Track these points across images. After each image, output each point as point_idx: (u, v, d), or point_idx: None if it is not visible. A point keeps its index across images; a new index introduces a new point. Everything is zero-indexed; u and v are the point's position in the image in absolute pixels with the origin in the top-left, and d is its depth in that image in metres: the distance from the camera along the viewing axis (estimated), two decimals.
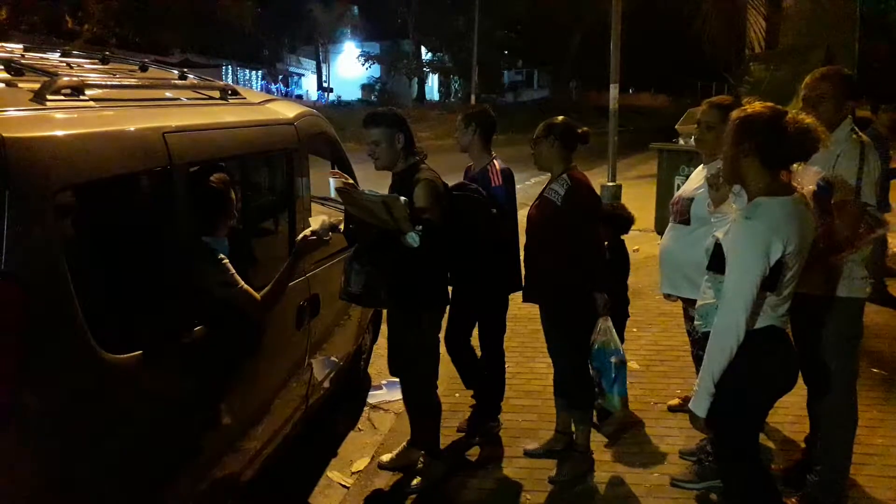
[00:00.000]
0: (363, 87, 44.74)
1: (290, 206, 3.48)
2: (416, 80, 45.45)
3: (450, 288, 3.89)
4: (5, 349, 1.88)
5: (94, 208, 2.39)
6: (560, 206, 3.67)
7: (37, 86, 2.19)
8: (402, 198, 3.28)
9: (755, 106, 2.66)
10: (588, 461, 3.87)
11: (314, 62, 47.10)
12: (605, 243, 4.07)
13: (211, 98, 3.17)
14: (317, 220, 3.36)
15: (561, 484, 3.74)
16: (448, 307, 3.92)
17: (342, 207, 3.89)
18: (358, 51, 46.15)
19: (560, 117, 3.89)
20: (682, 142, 9.84)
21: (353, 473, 4.01)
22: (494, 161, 4.17)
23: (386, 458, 4.00)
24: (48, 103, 2.15)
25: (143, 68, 3.09)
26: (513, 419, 4.41)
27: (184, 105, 2.95)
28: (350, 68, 46.03)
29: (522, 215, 4.04)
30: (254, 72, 39.86)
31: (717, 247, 2.69)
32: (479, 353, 4.37)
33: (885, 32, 21.41)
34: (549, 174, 3.83)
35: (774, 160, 2.59)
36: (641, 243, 9.05)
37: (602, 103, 16.27)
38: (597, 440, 4.08)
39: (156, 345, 2.39)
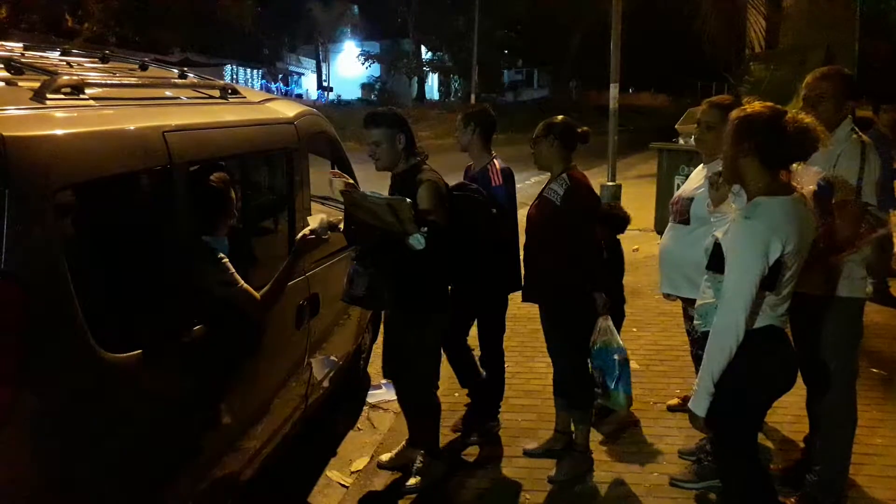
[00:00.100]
0: (363, 86, 44.71)
1: (290, 205, 3.48)
2: (415, 79, 45.43)
3: (448, 287, 3.89)
4: (5, 349, 1.88)
5: (94, 207, 2.40)
6: (559, 206, 3.67)
7: (37, 85, 2.19)
8: (408, 200, 3.28)
9: (755, 106, 2.66)
10: (587, 461, 3.87)
11: (314, 61, 47.08)
12: (602, 243, 4.07)
13: (211, 97, 3.17)
14: (315, 219, 3.35)
15: (560, 483, 3.74)
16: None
17: (342, 206, 3.88)
18: (358, 50, 46.12)
19: (560, 117, 3.89)
20: (681, 141, 9.84)
21: (352, 473, 4.01)
22: (494, 160, 4.17)
23: (385, 457, 4.00)
24: (48, 102, 2.15)
25: (143, 67, 3.09)
26: (512, 419, 4.41)
27: (184, 104, 2.95)
28: (350, 67, 46.00)
29: (522, 215, 4.04)
30: (254, 71, 39.83)
31: (717, 246, 2.69)
32: (478, 352, 4.37)
33: (886, 32, 21.40)
34: (549, 174, 3.83)
35: (774, 160, 2.59)
36: (641, 243, 9.05)
37: (602, 103, 16.28)
38: (596, 440, 4.09)
39: (156, 344, 2.39)
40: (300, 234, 3.26)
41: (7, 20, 25.75)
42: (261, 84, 37.81)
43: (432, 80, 48.84)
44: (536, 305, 3.94)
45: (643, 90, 45.98)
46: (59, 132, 2.10)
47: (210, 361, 2.71)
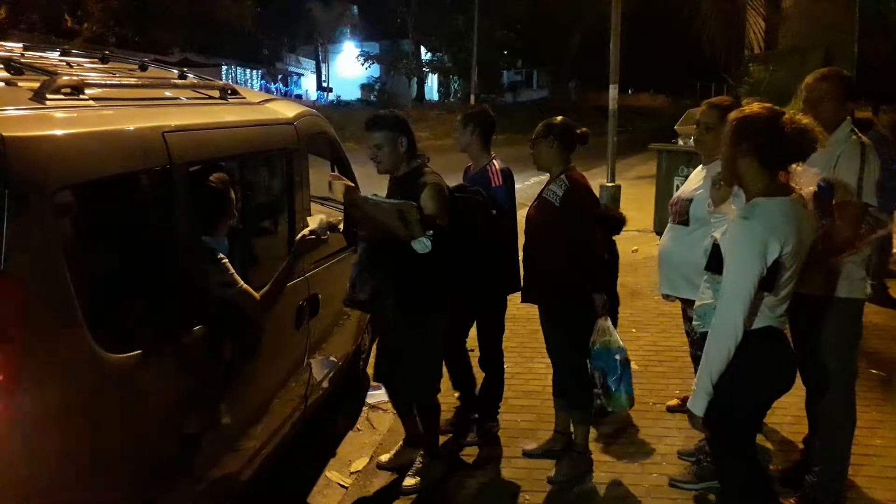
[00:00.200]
0: (363, 86, 44.72)
1: (290, 205, 3.48)
2: (415, 79, 45.43)
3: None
4: (4, 349, 1.88)
5: (94, 208, 2.39)
6: (558, 207, 3.67)
7: (36, 85, 2.19)
8: (415, 204, 3.27)
9: (753, 107, 2.66)
10: (587, 461, 3.87)
11: (313, 62, 47.11)
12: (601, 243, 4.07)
13: (210, 97, 3.17)
14: (314, 220, 3.34)
15: (559, 484, 3.74)
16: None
17: (341, 207, 3.88)
18: (357, 50, 46.13)
19: (559, 117, 3.89)
20: (681, 142, 9.86)
21: (351, 473, 4.01)
22: (494, 161, 4.17)
23: (384, 457, 4.00)
24: (48, 102, 2.15)
25: (143, 67, 3.10)
26: (511, 419, 4.41)
27: (183, 104, 2.95)
28: (349, 68, 46.01)
29: (521, 215, 4.04)
30: (253, 71, 39.84)
31: (715, 247, 2.69)
32: (478, 353, 4.37)
33: (885, 33, 21.42)
34: (548, 174, 3.83)
35: (772, 161, 2.60)
36: (640, 244, 9.06)
37: (601, 104, 16.28)
38: (595, 441, 4.09)
39: (155, 344, 2.39)
40: (299, 235, 3.26)
41: (7, 20, 25.72)
42: (260, 84, 37.86)
43: (432, 81, 48.86)
44: (536, 306, 3.95)
45: (642, 91, 46.04)
46: (58, 132, 2.10)
47: (209, 362, 2.71)
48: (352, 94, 43.08)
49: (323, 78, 46.87)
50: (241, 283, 2.75)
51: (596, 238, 3.86)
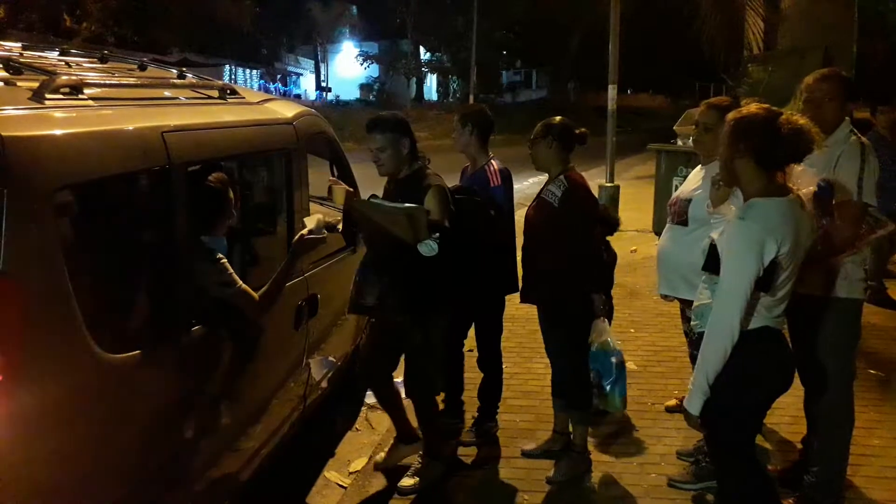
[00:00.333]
0: (362, 86, 44.71)
1: (289, 205, 3.47)
2: (414, 79, 45.40)
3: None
4: (4, 349, 1.88)
5: (93, 207, 2.39)
6: (557, 207, 3.67)
7: (35, 84, 2.19)
8: (423, 207, 3.26)
9: (750, 108, 2.67)
10: (585, 461, 3.87)
11: (313, 62, 47.05)
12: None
13: (209, 97, 3.17)
14: (312, 220, 3.34)
15: (558, 484, 3.74)
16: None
17: (340, 208, 3.88)
18: (356, 50, 46.09)
19: (558, 118, 3.88)
20: (680, 143, 9.87)
21: (350, 473, 4.01)
22: (492, 161, 4.16)
23: (380, 457, 4.00)
24: (47, 102, 2.15)
25: (142, 67, 3.09)
26: (510, 420, 4.41)
27: (182, 104, 2.95)
28: (348, 68, 45.98)
29: (520, 215, 4.04)
30: (252, 71, 39.80)
31: (713, 247, 2.70)
32: (477, 353, 4.37)
33: (884, 34, 21.42)
34: (547, 175, 3.83)
35: (769, 161, 2.60)
36: (639, 244, 9.07)
37: (600, 104, 16.26)
38: (594, 441, 4.09)
39: (154, 344, 2.39)
40: (298, 235, 3.25)
41: (5, 19, 25.70)
42: (259, 84, 37.79)
43: (431, 81, 48.84)
44: (534, 306, 3.95)
45: (642, 91, 46.09)
46: (57, 132, 2.10)
47: (208, 362, 2.71)
48: (351, 94, 43.06)
49: (322, 78, 46.82)
50: (240, 282, 2.75)
51: (595, 238, 3.87)
